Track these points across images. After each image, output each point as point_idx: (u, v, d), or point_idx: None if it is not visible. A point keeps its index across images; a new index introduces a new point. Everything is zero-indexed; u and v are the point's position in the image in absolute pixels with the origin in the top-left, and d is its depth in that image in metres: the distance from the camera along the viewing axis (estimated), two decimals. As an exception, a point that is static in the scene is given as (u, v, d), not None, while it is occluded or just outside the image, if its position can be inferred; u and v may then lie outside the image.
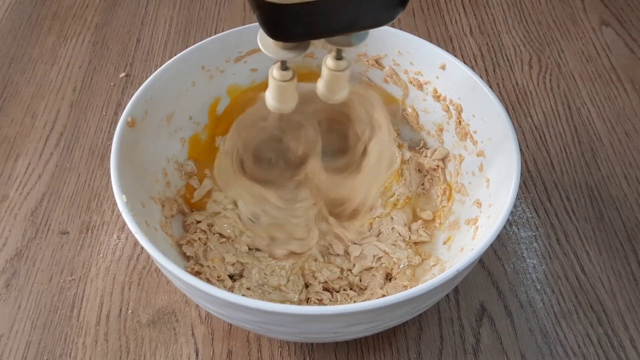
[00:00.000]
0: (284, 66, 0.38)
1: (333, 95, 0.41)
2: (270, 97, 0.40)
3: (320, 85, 0.41)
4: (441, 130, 0.51)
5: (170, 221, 0.46)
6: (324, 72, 0.40)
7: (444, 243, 0.47)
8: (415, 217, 0.50)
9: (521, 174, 0.41)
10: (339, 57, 0.39)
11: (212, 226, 0.48)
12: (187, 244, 0.46)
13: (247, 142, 0.50)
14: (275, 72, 0.38)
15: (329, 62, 0.39)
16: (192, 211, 0.49)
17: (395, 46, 0.50)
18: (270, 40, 0.35)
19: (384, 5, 0.33)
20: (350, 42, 0.37)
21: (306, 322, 0.35)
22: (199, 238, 0.46)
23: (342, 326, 0.36)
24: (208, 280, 0.44)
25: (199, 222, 0.48)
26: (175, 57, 0.47)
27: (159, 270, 0.48)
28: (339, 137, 0.51)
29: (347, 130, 0.50)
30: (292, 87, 0.39)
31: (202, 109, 0.51)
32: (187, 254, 0.45)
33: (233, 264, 0.46)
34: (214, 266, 0.45)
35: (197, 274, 0.44)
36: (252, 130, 0.50)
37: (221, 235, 0.48)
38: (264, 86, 0.41)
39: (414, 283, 0.45)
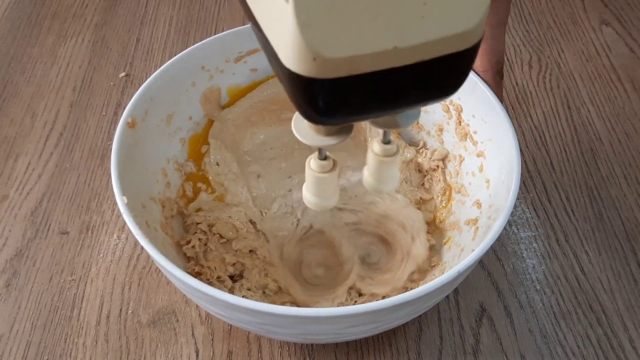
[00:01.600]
0: (322, 155, 0.33)
1: (382, 185, 0.35)
2: (308, 193, 0.35)
3: (367, 174, 0.35)
4: (441, 130, 0.51)
5: (170, 222, 0.46)
6: (371, 158, 0.34)
7: (444, 243, 0.47)
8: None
9: (521, 174, 0.41)
10: (386, 141, 0.33)
11: (212, 227, 0.48)
12: (187, 244, 0.46)
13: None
14: (313, 163, 0.33)
15: (376, 147, 0.34)
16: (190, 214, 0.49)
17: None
18: (306, 124, 0.30)
19: (443, 78, 0.27)
20: (398, 123, 0.32)
21: (307, 324, 0.35)
22: (199, 239, 0.46)
23: (342, 327, 0.36)
24: (208, 281, 0.44)
25: (199, 223, 0.48)
26: (175, 57, 0.47)
27: (159, 270, 0.48)
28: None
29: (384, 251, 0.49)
30: (333, 179, 0.34)
31: (201, 109, 0.51)
32: (188, 255, 0.45)
33: (233, 264, 0.46)
34: (214, 267, 0.45)
35: (197, 274, 0.44)
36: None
37: (221, 236, 0.48)
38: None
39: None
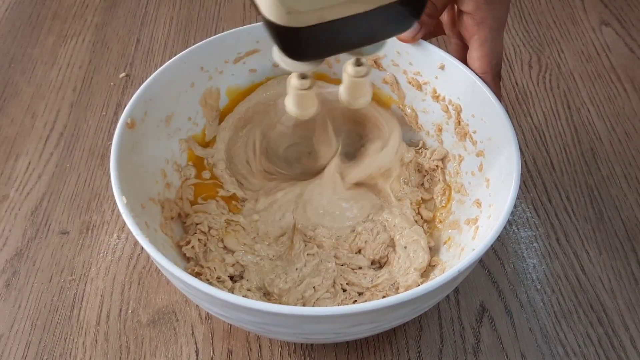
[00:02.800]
0: (302, 75, 0.38)
1: (355, 100, 0.41)
2: (290, 104, 0.40)
3: (342, 91, 0.41)
4: (440, 130, 0.51)
5: (170, 222, 0.46)
6: (345, 78, 0.40)
7: (444, 243, 0.47)
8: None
9: (521, 173, 0.41)
10: (358, 64, 0.39)
11: (211, 228, 0.48)
12: (186, 245, 0.46)
13: (267, 137, 0.51)
14: (293, 80, 0.38)
15: (349, 68, 0.39)
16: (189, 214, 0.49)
17: (394, 47, 0.50)
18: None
19: (399, 17, 0.32)
20: (368, 51, 0.37)
21: (307, 323, 0.35)
22: (199, 239, 0.46)
23: (343, 327, 0.36)
24: (208, 282, 0.44)
25: (198, 224, 0.48)
26: (174, 58, 0.47)
27: (159, 270, 0.48)
28: (352, 136, 0.52)
29: (362, 132, 0.52)
30: (311, 94, 0.39)
31: (200, 110, 0.51)
32: (187, 255, 0.45)
33: (233, 265, 0.46)
34: (214, 267, 0.45)
35: (197, 275, 0.44)
36: (272, 128, 0.51)
37: (225, 247, 0.48)
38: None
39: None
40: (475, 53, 0.45)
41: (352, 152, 0.52)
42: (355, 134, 0.53)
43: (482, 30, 0.44)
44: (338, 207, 0.50)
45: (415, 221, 0.49)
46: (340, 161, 0.51)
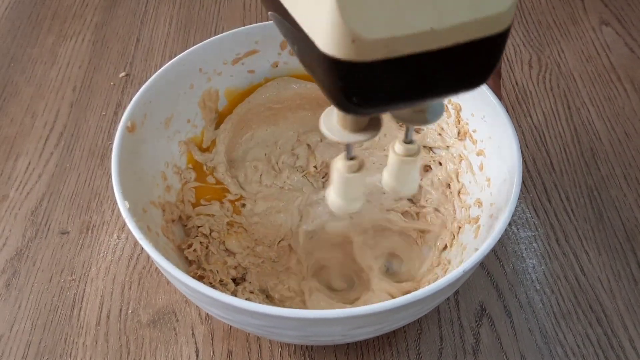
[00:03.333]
0: (350, 154, 0.32)
1: (402, 187, 0.35)
2: (335, 195, 0.34)
3: (387, 176, 0.35)
4: (441, 129, 0.51)
5: (171, 225, 0.46)
6: (392, 159, 0.34)
7: (446, 242, 0.47)
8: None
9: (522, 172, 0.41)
10: (408, 141, 0.33)
11: (212, 231, 0.48)
12: (188, 248, 0.46)
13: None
14: (340, 163, 0.32)
15: (397, 146, 0.33)
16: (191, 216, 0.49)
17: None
18: (334, 121, 0.30)
19: (477, 63, 0.27)
20: (426, 119, 0.31)
21: (310, 326, 0.35)
22: (201, 242, 0.46)
23: (346, 329, 0.36)
24: (211, 285, 0.44)
25: (200, 226, 0.48)
26: (172, 60, 0.47)
27: (159, 270, 0.48)
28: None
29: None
30: (361, 180, 0.33)
31: (200, 111, 0.51)
32: (190, 259, 0.45)
33: (235, 267, 0.46)
34: (216, 270, 0.45)
35: (200, 278, 0.44)
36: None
37: (227, 249, 0.48)
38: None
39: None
40: None
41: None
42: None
43: None
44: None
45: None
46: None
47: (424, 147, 0.52)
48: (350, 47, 0.23)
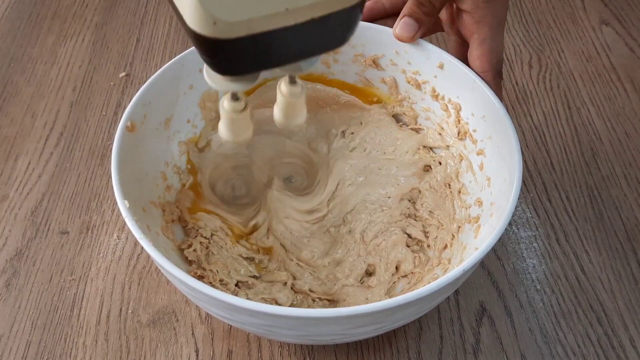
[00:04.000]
0: (234, 97, 0.36)
1: (290, 121, 0.39)
2: (223, 129, 0.38)
3: (276, 112, 0.39)
4: (440, 128, 0.51)
5: (170, 225, 0.46)
6: (279, 98, 0.38)
7: (446, 242, 0.47)
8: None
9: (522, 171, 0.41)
10: (292, 82, 0.37)
11: (214, 234, 0.47)
12: (188, 248, 0.46)
13: (212, 175, 0.50)
14: (225, 103, 0.36)
15: (283, 87, 0.37)
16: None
17: (393, 46, 0.50)
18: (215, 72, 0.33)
19: (333, 31, 0.30)
20: (300, 68, 0.34)
21: (310, 325, 0.35)
22: (201, 242, 0.46)
23: (346, 328, 0.36)
24: (211, 284, 0.44)
25: (200, 228, 0.47)
26: (172, 60, 0.47)
27: (159, 270, 0.48)
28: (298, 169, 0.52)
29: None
30: (245, 118, 0.37)
31: (199, 112, 0.50)
32: (190, 259, 0.45)
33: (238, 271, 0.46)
34: (216, 270, 0.45)
35: (200, 277, 0.44)
36: (216, 163, 0.50)
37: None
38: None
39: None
40: (475, 52, 0.45)
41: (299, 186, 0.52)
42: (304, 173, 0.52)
43: (481, 29, 0.44)
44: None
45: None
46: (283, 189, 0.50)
47: (424, 147, 0.52)
48: (213, 27, 0.26)
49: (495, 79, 0.45)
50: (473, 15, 0.44)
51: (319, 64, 0.47)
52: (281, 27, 0.28)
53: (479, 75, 0.45)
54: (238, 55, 0.29)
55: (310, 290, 0.45)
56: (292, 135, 0.52)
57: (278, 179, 0.50)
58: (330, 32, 0.30)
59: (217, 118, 0.51)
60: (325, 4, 0.28)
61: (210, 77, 0.33)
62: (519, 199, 0.53)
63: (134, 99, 0.44)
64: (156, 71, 0.46)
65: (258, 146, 0.51)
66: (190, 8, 0.26)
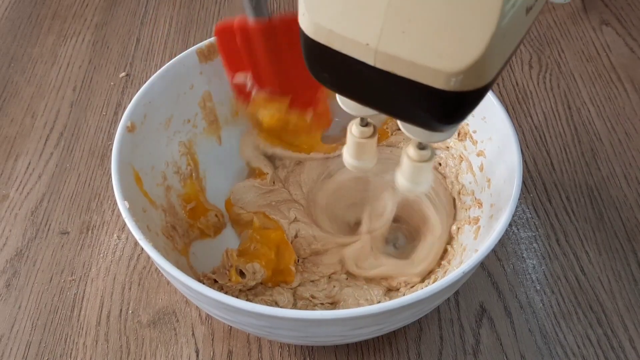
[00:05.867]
0: (363, 122, 0.36)
1: (413, 186, 0.36)
2: (347, 154, 0.37)
3: (400, 177, 0.36)
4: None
5: (170, 228, 0.46)
6: (404, 160, 0.35)
7: (446, 243, 0.47)
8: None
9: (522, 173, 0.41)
10: (421, 147, 0.34)
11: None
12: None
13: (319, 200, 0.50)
14: (354, 128, 0.36)
15: (410, 150, 0.35)
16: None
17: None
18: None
19: (421, 106, 0.28)
20: (421, 135, 0.32)
21: (310, 326, 0.35)
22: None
23: (346, 330, 0.36)
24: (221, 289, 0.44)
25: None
26: (172, 60, 0.47)
27: (159, 270, 0.48)
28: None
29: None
30: (371, 144, 0.36)
31: (200, 112, 0.50)
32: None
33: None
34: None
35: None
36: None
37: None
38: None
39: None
40: None
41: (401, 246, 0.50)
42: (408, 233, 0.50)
43: None
44: None
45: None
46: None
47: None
48: (304, 20, 0.28)
49: None
50: None
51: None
52: (357, 58, 0.27)
53: None
54: (315, 58, 0.29)
55: (312, 297, 0.45)
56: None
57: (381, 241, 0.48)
58: (417, 104, 0.27)
59: (217, 120, 0.52)
60: (409, 67, 0.25)
61: (341, 99, 0.33)
62: (519, 199, 0.53)
63: (135, 98, 0.44)
64: (156, 71, 0.46)
65: (373, 192, 0.49)
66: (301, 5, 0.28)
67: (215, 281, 0.45)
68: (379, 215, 0.48)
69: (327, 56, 0.28)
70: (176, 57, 0.47)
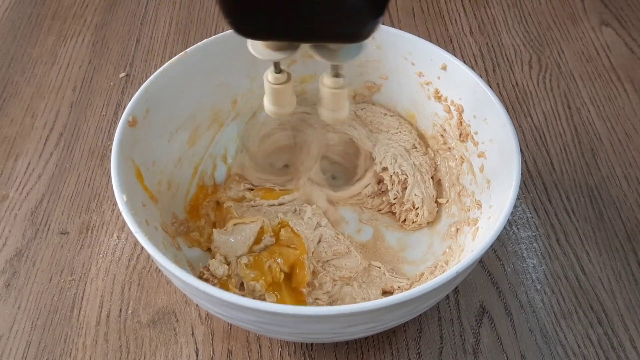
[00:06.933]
0: (277, 69, 0.37)
1: (333, 114, 0.39)
2: (267, 102, 0.39)
3: (320, 107, 0.39)
4: (443, 130, 0.51)
5: (171, 227, 0.46)
6: (322, 90, 0.38)
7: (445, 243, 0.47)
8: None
9: (521, 174, 0.41)
10: (335, 75, 0.37)
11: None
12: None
13: (254, 156, 0.52)
14: (269, 75, 0.37)
15: (325, 79, 0.37)
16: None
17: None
18: (258, 41, 0.34)
19: (349, 16, 0.29)
20: (338, 57, 0.34)
21: (305, 323, 0.35)
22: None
23: (340, 327, 0.36)
24: (207, 280, 0.44)
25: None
26: (175, 57, 0.47)
27: (159, 270, 0.48)
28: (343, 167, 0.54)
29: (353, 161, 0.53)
30: (288, 90, 0.38)
31: (202, 108, 0.51)
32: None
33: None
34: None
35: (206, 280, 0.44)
36: (259, 143, 0.52)
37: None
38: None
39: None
40: None
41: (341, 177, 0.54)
42: (346, 168, 0.54)
43: None
44: None
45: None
46: (327, 190, 0.52)
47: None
48: None
49: None
50: None
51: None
52: None
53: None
54: (247, 10, 0.29)
55: (316, 299, 0.45)
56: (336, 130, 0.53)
57: (318, 172, 0.51)
58: (345, 17, 0.29)
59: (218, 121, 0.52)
60: None
61: (253, 46, 0.34)
62: (519, 199, 0.53)
63: (137, 93, 0.44)
64: (156, 71, 0.46)
65: (302, 134, 0.52)
66: None
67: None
68: (308, 154, 0.51)
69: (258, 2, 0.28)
70: (179, 54, 0.47)
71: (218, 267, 0.44)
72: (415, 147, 0.52)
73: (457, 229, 0.47)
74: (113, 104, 0.62)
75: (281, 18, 0.29)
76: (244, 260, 0.45)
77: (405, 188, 0.50)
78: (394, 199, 0.50)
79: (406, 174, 0.50)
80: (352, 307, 0.34)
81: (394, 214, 0.51)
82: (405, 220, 0.50)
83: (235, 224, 0.47)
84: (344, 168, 0.54)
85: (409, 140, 0.52)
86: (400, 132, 0.52)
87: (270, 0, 0.28)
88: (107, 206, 0.53)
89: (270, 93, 0.38)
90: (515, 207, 0.52)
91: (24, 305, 0.47)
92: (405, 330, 0.45)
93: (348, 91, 0.38)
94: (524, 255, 0.50)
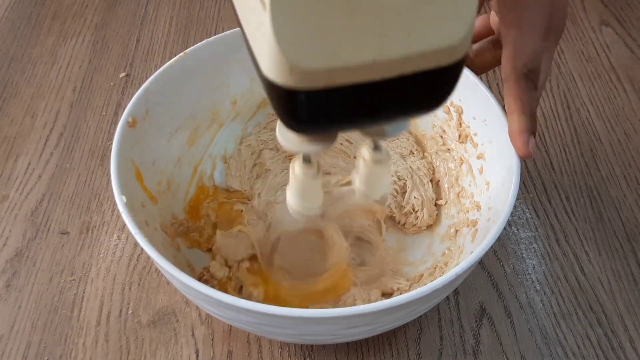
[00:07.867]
0: (306, 160, 0.32)
1: (372, 191, 0.34)
2: (292, 199, 0.34)
3: (357, 181, 0.34)
4: (442, 131, 0.51)
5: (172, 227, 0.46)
6: (360, 165, 0.33)
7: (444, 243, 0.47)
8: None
9: (521, 174, 0.41)
10: (376, 148, 0.32)
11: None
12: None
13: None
14: (297, 167, 0.32)
15: (365, 153, 0.33)
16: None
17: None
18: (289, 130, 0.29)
19: (429, 90, 0.26)
20: (386, 133, 0.30)
21: (305, 325, 0.35)
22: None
23: (339, 328, 0.36)
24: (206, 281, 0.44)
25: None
26: (175, 57, 0.47)
27: (159, 270, 0.48)
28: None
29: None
30: (317, 185, 0.33)
31: (202, 109, 0.51)
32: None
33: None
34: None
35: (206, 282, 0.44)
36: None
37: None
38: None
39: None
40: (502, 55, 0.41)
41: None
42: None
43: (508, 31, 0.40)
44: None
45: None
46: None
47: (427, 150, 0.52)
48: (289, 76, 0.22)
49: (518, 83, 0.41)
50: (502, 20, 0.41)
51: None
52: (365, 81, 0.23)
53: (479, 78, 0.45)
54: (313, 111, 0.24)
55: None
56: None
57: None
58: (422, 93, 0.26)
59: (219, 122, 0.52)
60: (420, 59, 0.24)
61: (283, 136, 0.29)
62: (518, 199, 0.53)
63: (137, 94, 0.44)
64: (156, 71, 0.46)
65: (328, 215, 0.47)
66: (267, 51, 0.22)
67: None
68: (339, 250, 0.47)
69: (321, 100, 0.24)
70: (179, 55, 0.47)
71: (218, 270, 0.44)
72: (413, 153, 0.52)
73: (456, 230, 0.47)
74: (113, 104, 0.62)
75: (352, 112, 0.25)
76: (246, 264, 0.45)
77: (405, 192, 0.50)
78: (394, 208, 0.50)
79: (404, 178, 0.50)
80: (352, 309, 0.34)
81: (393, 217, 0.51)
82: (405, 224, 0.50)
83: (239, 230, 0.47)
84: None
85: (405, 147, 0.52)
86: (397, 138, 0.52)
87: (343, 102, 0.24)
88: (107, 206, 0.53)
89: (298, 188, 0.33)
90: (514, 207, 0.52)
91: (24, 306, 0.47)
92: (405, 331, 0.45)
93: (389, 166, 0.35)
94: (524, 255, 0.50)
